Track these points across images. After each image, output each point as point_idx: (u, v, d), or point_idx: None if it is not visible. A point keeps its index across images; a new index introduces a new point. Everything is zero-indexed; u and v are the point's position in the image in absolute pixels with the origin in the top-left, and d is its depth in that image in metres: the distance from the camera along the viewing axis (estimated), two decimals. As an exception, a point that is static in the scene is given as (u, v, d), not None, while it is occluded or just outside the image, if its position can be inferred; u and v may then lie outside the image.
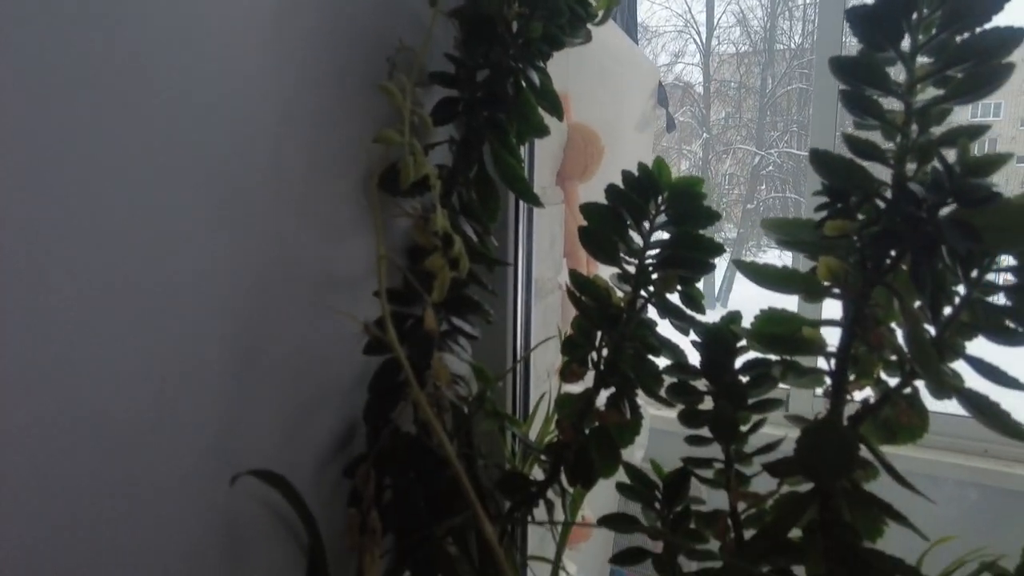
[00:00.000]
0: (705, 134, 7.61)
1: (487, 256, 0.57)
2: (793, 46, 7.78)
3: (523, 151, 0.72)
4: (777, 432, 0.58)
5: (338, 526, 0.57)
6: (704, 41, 7.99)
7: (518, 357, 0.70)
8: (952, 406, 0.51)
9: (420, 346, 0.47)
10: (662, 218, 0.60)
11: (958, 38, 0.47)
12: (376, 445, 0.50)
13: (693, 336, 0.60)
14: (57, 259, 0.36)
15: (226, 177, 0.46)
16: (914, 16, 0.49)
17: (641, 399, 0.62)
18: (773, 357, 0.59)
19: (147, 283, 0.41)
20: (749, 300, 0.61)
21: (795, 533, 0.56)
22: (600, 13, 0.58)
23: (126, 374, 0.40)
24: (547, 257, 0.88)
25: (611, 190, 0.58)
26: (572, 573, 1.00)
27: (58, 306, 0.36)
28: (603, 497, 1.00)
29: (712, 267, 0.56)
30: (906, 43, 0.50)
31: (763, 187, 7.90)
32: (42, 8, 0.35)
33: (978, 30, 0.46)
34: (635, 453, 1.07)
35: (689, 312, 0.59)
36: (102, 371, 0.39)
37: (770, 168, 7.53)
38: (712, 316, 0.60)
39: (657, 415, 1.24)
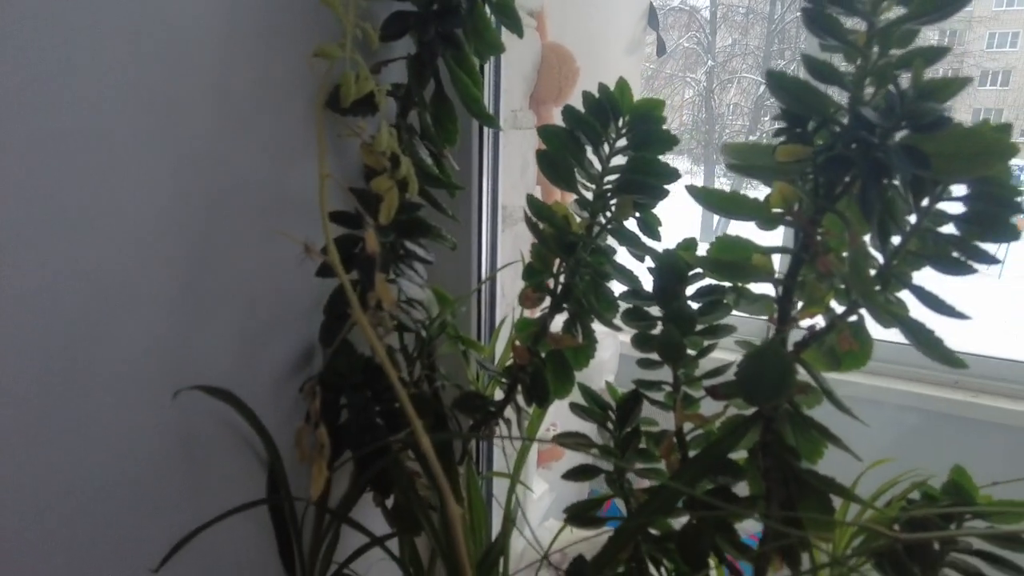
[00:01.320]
0: (710, 61, 7.36)
1: (442, 180, 0.57)
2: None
3: (488, 71, 0.70)
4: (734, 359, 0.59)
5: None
6: (713, -39, 7.60)
7: (482, 280, 0.71)
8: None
9: (365, 268, 0.47)
10: (623, 142, 0.59)
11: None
12: (326, 364, 0.51)
13: (649, 264, 0.61)
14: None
15: (166, 93, 0.45)
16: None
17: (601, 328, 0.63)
18: (727, 285, 0.59)
19: (86, 195, 0.41)
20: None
21: (742, 455, 0.58)
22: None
23: (69, 276, 0.41)
24: (518, 184, 0.87)
25: (569, 113, 0.57)
26: (538, 491, 1.04)
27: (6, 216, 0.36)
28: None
29: (666, 192, 0.55)
30: (874, -43, 0.47)
31: (767, 118, 7.71)
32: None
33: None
34: (604, 378, 1.09)
35: (645, 239, 0.59)
36: (47, 274, 0.39)
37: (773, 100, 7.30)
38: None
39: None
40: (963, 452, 1.41)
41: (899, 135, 0.46)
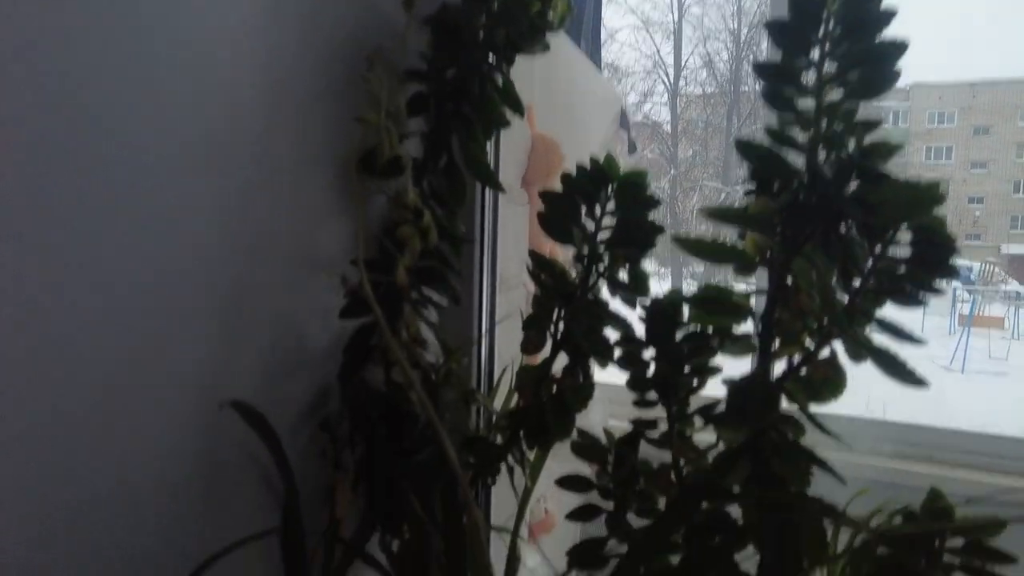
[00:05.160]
0: (673, 171, 7.86)
1: (454, 234, 0.63)
2: (758, 87, 8.14)
3: (489, 152, 0.79)
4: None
5: (312, 479, 0.61)
6: (672, 81, 8.31)
7: (482, 332, 0.76)
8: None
9: (392, 301, 0.52)
10: (611, 205, 0.67)
11: (856, 48, 0.56)
12: (349, 394, 0.54)
13: (640, 312, 0.67)
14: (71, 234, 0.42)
15: (220, 150, 0.51)
16: (821, 29, 0.57)
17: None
18: (711, 333, 0.65)
19: (144, 236, 0.46)
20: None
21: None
22: (557, 20, 0.65)
23: (121, 307, 0.45)
24: (512, 255, 0.94)
25: (566, 179, 0.65)
26: (531, 565, 1.03)
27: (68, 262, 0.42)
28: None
29: (653, 244, 0.63)
30: (816, 52, 0.58)
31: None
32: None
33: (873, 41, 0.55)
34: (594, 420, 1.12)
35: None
36: (100, 305, 0.44)
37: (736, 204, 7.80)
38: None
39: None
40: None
41: (851, 188, 0.55)
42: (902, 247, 0.58)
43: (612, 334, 0.68)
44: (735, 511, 0.62)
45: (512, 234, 0.95)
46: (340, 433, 0.54)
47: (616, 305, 0.69)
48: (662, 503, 0.65)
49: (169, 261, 0.48)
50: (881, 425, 1.57)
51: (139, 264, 0.46)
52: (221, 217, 0.52)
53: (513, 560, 0.67)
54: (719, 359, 0.66)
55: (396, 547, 0.64)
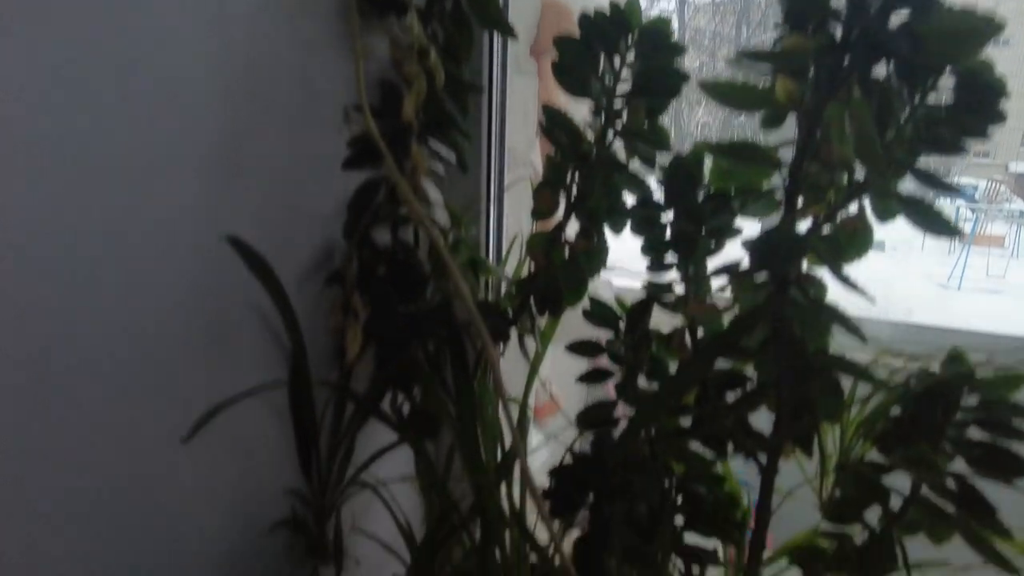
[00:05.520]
0: (679, 82, 7.59)
1: (460, 81, 0.59)
2: (769, -4, 7.71)
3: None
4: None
5: (321, 339, 0.59)
6: (680, -13, 7.87)
7: (491, 200, 0.73)
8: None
9: (399, 146, 0.49)
10: (631, 56, 0.62)
11: None
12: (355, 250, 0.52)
13: (659, 175, 0.63)
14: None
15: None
16: None
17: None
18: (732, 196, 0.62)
19: (142, 75, 0.43)
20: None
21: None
22: None
23: (115, 142, 0.42)
24: (520, 129, 0.89)
25: (584, 21, 0.59)
26: (535, 441, 1.05)
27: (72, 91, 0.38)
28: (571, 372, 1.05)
29: (677, 91, 0.58)
30: None
31: (735, 137, 7.94)
32: None
33: None
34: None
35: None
36: (96, 140, 0.41)
37: (742, 118, 7.57)
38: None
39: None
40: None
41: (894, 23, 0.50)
42: (942, 93, 0.54)
43: (628, 200, 0.64)
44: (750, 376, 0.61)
45: (521, 107, 0.90)
46: (348, 276, 0.52)
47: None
48: (673, 369, 0.64)
49: (164, 96, 0.45)
50: (886, 325, 1.58)
51: (135, 101, 0.43)
52: (219, 56, 0.48)
53: (524, 422, 0.67)
54: (739, 223, 0.63)
55: (407, 409, 0.63)
